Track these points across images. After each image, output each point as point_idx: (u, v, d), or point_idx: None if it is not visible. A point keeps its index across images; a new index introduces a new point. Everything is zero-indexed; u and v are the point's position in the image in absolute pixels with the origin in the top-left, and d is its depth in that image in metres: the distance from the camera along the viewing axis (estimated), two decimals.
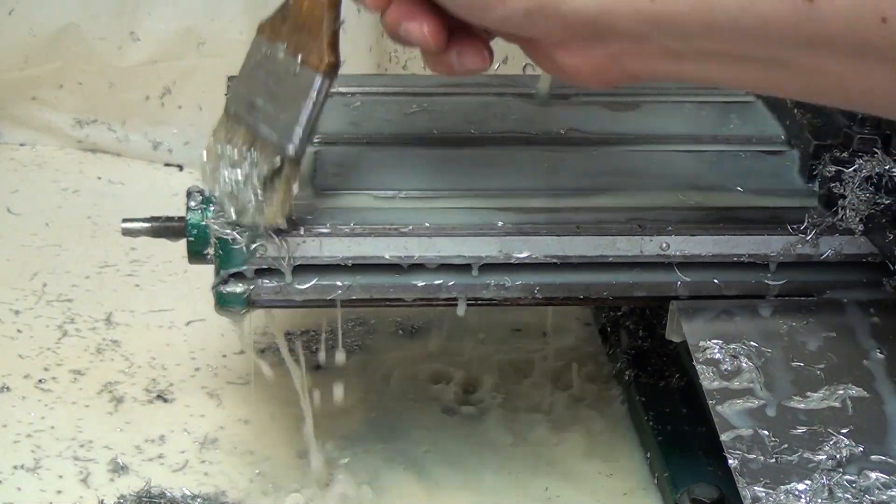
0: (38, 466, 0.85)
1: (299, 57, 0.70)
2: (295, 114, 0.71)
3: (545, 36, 0.65)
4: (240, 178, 0.74)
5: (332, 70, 0.70)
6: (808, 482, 0.68)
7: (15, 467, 0.85)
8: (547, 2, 0.62)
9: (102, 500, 0.82)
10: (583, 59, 0.65)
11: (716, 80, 0.63)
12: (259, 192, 0.73)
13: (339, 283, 0.77)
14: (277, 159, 0.73)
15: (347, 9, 0.72)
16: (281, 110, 0.72)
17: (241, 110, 0.75)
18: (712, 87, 0.65)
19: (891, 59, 0.56)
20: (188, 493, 0.83)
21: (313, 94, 0.70)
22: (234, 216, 0.74)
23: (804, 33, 0.58)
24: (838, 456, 0.69)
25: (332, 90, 0.78)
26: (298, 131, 0.71)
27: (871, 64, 0.57)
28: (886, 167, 0.76)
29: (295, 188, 0.74)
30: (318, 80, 0.70)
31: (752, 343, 0.76)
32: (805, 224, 0.78)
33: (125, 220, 0.80)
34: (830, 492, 0.67)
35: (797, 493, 0.67)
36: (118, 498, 0.82)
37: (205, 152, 0.77)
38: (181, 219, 0.78)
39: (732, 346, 0.75)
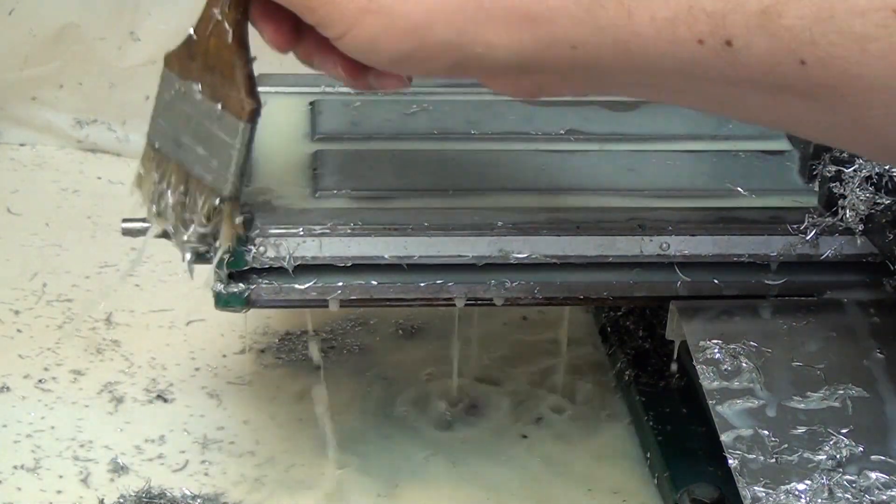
0: (38, 466, 0.85)
1: (219, 104, 0.71)
2: (225, 160, 0.71)
3: (471, 78, 0.67)
4: (181, 213, 0.75)
5: (255, 117, 0.71)
6: (808, 482, 0.68)
7: (15, 467, 0.85)
8: (468, 58, 0.63)
9: (102, 500, 0.82)
10: (511, 87, 0.66)
11: (645, 99, 0.64)
12: (203, 226, 0.74)
13: (339, 283, 0.77)
14: (216, 200, 0.73)
15: None
16: (210, 154, 0.72)
17: (167, 145, 0.75)
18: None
19: (811, 96, 0.58)
20: (188, 493, 0.83)
21: (238, 142, 0.71)
22: (183, 239, 0.75)
23: (725, 75, 0.59)
24: (838, 456, 0.69)
25: (333, 90, 0.78)
26: (231, 176, 0.72)
27: (791, 99, 0.58)
28: (886, 167, 0.76)
29: (238, 219, 0.74)
30: (241, 127, 0.71)
31: (752, 343, 0.76)
32: (805, 224, 0.78)
33: (125, 220, 0.80)
34: (830, 492, 0.67)
35: (797, 493, 0.67)
36: (118, 498, 0.82)
37: (135, 181, 0.77)
38: None
39: (732, 346, 0.75)
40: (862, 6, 0.54)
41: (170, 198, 0.75)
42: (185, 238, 0.74)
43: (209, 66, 0.71)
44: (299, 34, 0.69)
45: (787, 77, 0.57)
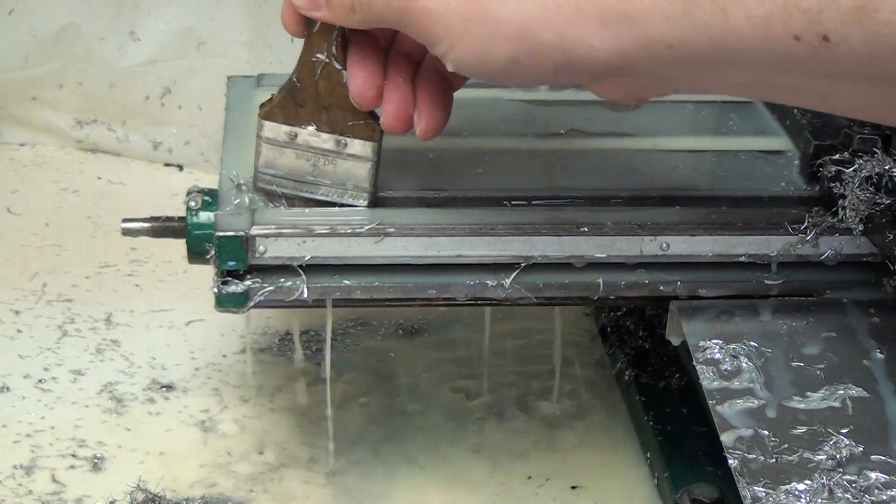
0: (38, 466, 0.85)
1: (344, 135, 0.76)
2: (364, 177, 0.77)
3: (576, 82, 0.68)
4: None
5: (383, 134, 0.76)
6: (808, 482, 0.68)
7: (15, 467, 0.85)
8: (571, 60, 0.64)
9: (103, 500, 0.82)
10: (615, 89, 0.67)
11: (742, 96, 0.66)
12: None
13: (339, 283, 0.77)
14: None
15: None
16: (342, 180, 0.78)
17: (284, 188, 0.78)
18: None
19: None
20: (188, 493, 0.83)
21: (374, 158, 0.77)
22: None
23: (823, 69, 0.60)
24: (838, 456, 0.69)
25: None
26: (370, 187, 0.78)
27: (890, 90, 0.60)
28: (886, 167, 0.76)
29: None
30: (373, 147, 0.76)
31: (752, 343, 0.76)
32: (805, 224, 0.78)
33: (125, 220, 0.80)
34: (830, 492, 0.67)
35: (797, 493, 0.67)
36: (118, 498, 0.82)
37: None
38: (181, 219, 0.78)
39: (732, 346, 0.75)
40: None
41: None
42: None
43: (322, 106, 0.76)
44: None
45: (885, 69, 0.58)
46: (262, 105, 0.77)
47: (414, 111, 0.73)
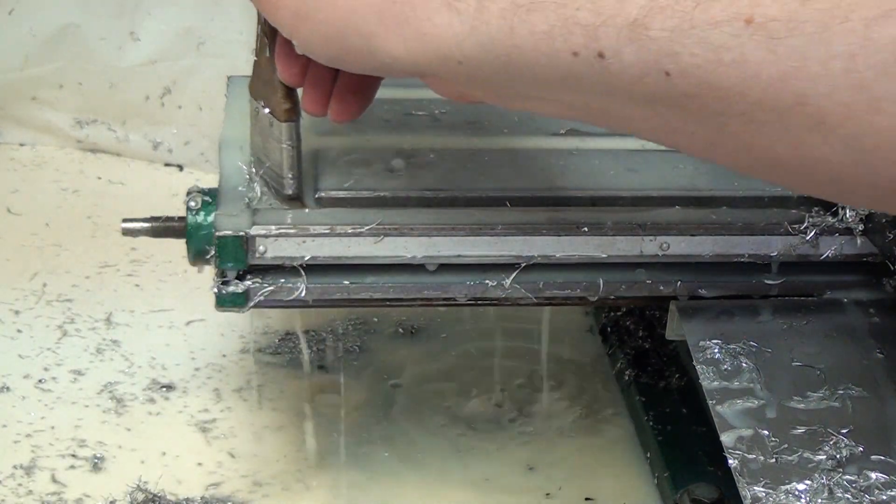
0: (38, 466, 0.85)
1: (267, 111, 0.75)
2: (278, 161, 0.76)
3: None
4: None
5: (290, 116, 0.75)
6: (808, 482, 0.68)
7: (15, 467, 0.85)
8: (383, 65, 0.66)
9: (103, 500, 0.82)
10: (441, 90, 0.68)
11: (536, 112, 0.66)
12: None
13: (339, 283, 0.77)
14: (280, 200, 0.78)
15: None
16: (274, 162, 0.77)
17: (256, 165, 0.79)
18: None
19: (679, 107, 0.59)
20: (188, 493, 0.83)
21: (284, 144, 0.76)
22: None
23: (600, 86, 0.60)
24: (838, 456, 0.69)
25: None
26: (288, 177, 0.76)
27: (664, 110, 0.60)
28: None
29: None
30: (283, 129, 0.75)
31: (752, 343, 0.76)
32: (805, 224, 0.78)
33: (125, 220, 0.80)
34: (830, 492, 0.67)
35: (797, 493, 0.67)
36: (118, 498, 0.82)
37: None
38: (181, 219, 0.78)
39: (732, 346, 0.75)
40: (717, 17, 0.56)
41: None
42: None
43: (264, 81, 0.75)
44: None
45: (655, 88, 0.59)
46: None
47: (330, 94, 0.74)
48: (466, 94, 0.68)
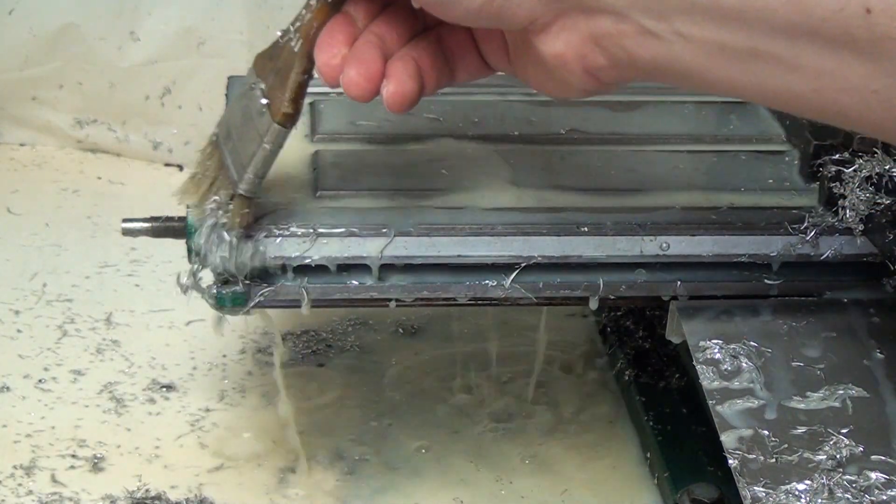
0: (38, 466, 0.85)
1: (266, 101, 0.72)
2: (249, 157, 0.73)
3: (525, 21, 0.65)
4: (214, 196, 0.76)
5: (287, 122, 0.72)
6: (808, 482, 0.68)
7: (15, 467, 0.85)
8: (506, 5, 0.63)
9: (103, 500, 0.82)
10: (564, 43, 0.65)
11: (693, 73, 0.62)
12: (222, 210, 0.75)
13: (338, 284, 0.77)
14: (232, 192, 0.75)
15: None
16: (242, 148, 0.74)
17: (222, 136, 0.77)
18: (689, 88, 0.67)
19: (867, 54, 0.55)
20: (188, 493, 0.83)
21: (266, 143, 0.72)
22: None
23: (785, 19, 0.57)
24: (838, 456, 0.69)
25: (333, 90, 0.78)
26: (249, 175, 0.73)
27: (849, 59, 0.56)
28: (886, 167, 0.76)
29: (248, 214, 0.75)
30: (272, 130, 0.72)
31: (752, 343, 0.76)
32: (805, 224, 0.78)
33: (125, 220, 0.80)
34: (830, 492, 0.67)
35: (797, 493, 0.67)
36: (117, 498, 0.82)
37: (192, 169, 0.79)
38: (181, 219, 0.78)
39: (732, 346, 0.75)
40: None
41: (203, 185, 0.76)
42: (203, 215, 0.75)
43: (277, 68, 0.72)
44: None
45: (849, 26, 0.55)
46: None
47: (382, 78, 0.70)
48: (612, 53, 0.63)
